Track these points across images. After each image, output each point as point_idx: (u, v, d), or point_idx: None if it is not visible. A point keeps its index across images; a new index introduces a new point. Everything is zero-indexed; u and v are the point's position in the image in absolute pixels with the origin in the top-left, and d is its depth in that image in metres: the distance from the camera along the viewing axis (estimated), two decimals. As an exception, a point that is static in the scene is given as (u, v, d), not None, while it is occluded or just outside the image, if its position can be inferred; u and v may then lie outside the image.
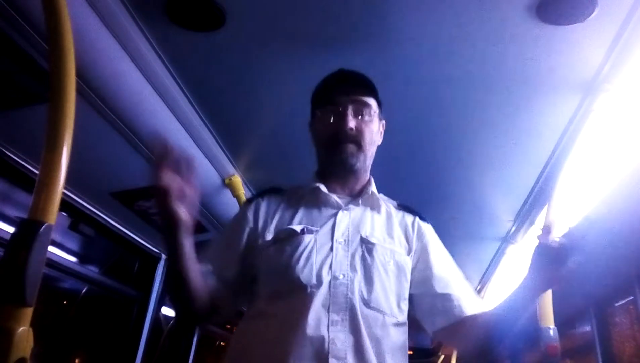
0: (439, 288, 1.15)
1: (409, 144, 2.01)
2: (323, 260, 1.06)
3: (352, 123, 1.13)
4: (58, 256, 2.22)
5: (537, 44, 1.40)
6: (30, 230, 0.88)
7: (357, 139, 1.14)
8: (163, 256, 2.73)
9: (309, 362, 0.97)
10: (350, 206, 1.16)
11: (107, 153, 1.80)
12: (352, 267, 1.07)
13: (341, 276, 1.05)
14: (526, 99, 1.65)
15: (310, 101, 1.24)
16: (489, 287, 3.56)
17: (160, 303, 2.80)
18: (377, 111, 1.20)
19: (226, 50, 1.50)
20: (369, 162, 1.22)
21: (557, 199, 1.74)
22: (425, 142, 2.01)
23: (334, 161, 1.17)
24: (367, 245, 1.10)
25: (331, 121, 1.15)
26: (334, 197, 1.16)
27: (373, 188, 1.21)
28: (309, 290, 1.02)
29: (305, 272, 1.04)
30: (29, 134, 1.57)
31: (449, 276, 1.18)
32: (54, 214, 0.91)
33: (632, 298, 2.67)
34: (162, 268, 2.74)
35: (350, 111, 1.14)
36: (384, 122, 1.25)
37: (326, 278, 1.04)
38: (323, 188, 1.16)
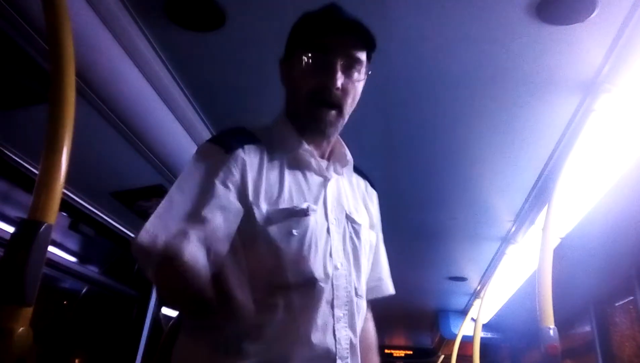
0: (377, 272, 1.11)
1: (409, 145, 2.00)
2: (324, 247, 0.93)
3: (339, 82, 0.95)
4: (58, 256, 2.22)
5: (537, 44, 1.40)
6: (30, 230, 0.88)
7: (340, 102, 0.97)
8: (163, 256, 2.73)
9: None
10: (333, 173, 1.02)
11: (107, 153, 1.80)
12: (346, 253, 0.96)
13: (339, 265, 0.94)
14: (526, 99, 1.65)
15: (291, 30, 1.03)
16: (489, 287, 3.56)
17: (160, 303, 2.80)
18: (365, 67, 1.01)
19: (226, 50, 1.50)
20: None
21: (557, 199, 1.74)
22: (425, 142, 2.00)
23: (309, 123, 1.00)
24: (353, 225, 1.00)
25: (316, 72, 0.96)
26: (319, 162, 1.00)
27: (347, 153, 1.05)
28: (317, 285, 0.89)
29: (316, 265, 0.90)
30: (29, 134, 1.57)
31: (384, 262, 1.15)
32: (54, 214, 0.91)
33: (632, 298, 2.68)
34: (162, 268, 2.73)
35: (340, 67, 0.95)
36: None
37: (330, 269, 0.92)
38: (308, 152, 1.00)
